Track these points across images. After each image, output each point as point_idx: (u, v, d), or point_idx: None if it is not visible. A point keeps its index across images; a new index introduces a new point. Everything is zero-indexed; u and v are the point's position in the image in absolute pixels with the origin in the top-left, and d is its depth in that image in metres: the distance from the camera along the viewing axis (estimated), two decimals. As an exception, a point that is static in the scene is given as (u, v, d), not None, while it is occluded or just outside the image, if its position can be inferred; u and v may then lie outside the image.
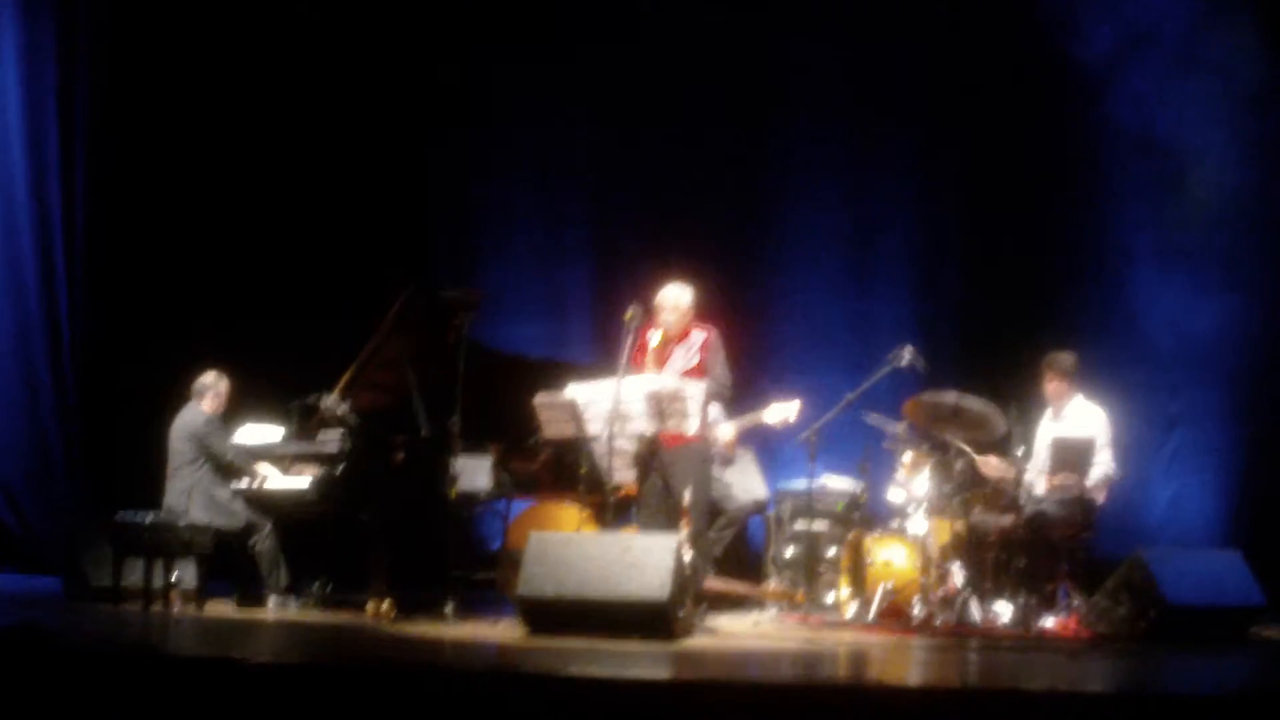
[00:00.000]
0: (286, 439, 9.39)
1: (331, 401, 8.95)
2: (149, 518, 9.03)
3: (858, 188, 11.69)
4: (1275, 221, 10.92)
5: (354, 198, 11.73)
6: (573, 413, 8.07)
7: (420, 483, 8.74)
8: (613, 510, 8.38)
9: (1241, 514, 10.60)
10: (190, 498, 9.17)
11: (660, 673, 6.50)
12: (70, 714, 5.81)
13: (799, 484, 9.53)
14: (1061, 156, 11.16)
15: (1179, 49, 10.94)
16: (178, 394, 9.57)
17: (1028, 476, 8.64)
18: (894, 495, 9.16)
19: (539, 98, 11.93)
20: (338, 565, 9.29)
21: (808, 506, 9.40)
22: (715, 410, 8.59)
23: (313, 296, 11.34)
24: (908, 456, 9.08)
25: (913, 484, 9.00)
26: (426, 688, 5.93)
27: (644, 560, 7.46)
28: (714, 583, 8.72)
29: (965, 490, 8.76)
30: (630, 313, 8.19)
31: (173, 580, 9.14)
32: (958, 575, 8.54)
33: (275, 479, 9.19)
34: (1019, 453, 8.52)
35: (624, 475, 8.55)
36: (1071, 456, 8.49)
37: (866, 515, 9.30)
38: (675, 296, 8.33)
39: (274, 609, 9.07)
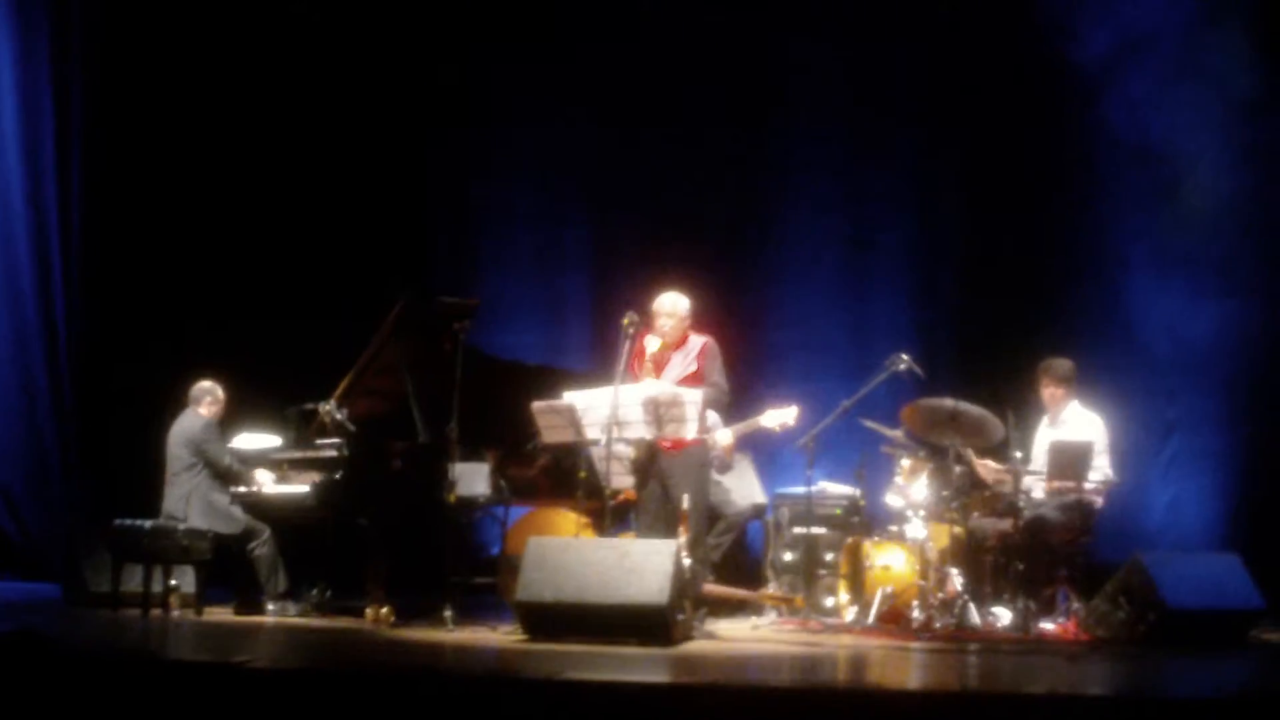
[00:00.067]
0: (284, 445, 9.40)
1: (329, 408, 8.96)
2: (148, 523, 9.04)
3: (856, 189, 11.70)
4: (1271, 227, 10.93)
5: (353, 199, 11.74)
6: (571, 418, 8.08)
7: (418, 489, 8.75)
8: (611, 515, 8.39)
9: (1240, 517, 10.60)
10: (189, 503, 9.17)
11: (659, 677, 6.50)
12: (69, 720, 5.82)
13: (797, 489, 9.53)
14: (1059, 160, 11.17)
15: (1175, 54, 10.95)
16: (175, 399, 9.58)
17: (1026, 481, 8.64)
18: (892, 500, 9.16)
19: (539, 98, 11.94)
20: (336, 571, 9.30)
21: (806, 511, 9.40)
22: (713, 416, 8.59)
23: (311, 299, 11.34)
24: (906, 462, 9.08)
25: (911, 489, 9.00)
26: (425, 692, 5.93)
27: (643, 565, 7.46)
28: (712, 587, 8.72)
29: (963, 495, 8.76)
30: (628, 319, 8.20)
31: (171, 586, 9.15)
32: (956, 579, 8.53)
33: (273, 485, 9.20)
34: (1017, 457, 8.52)
35: (622, 481, 8.57)
36: (1069, 461, 8.48)
37: (865, 520, 9.30)
38: (672, 303, 8.34)
39: (272, 614, 9.07)
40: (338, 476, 8.87)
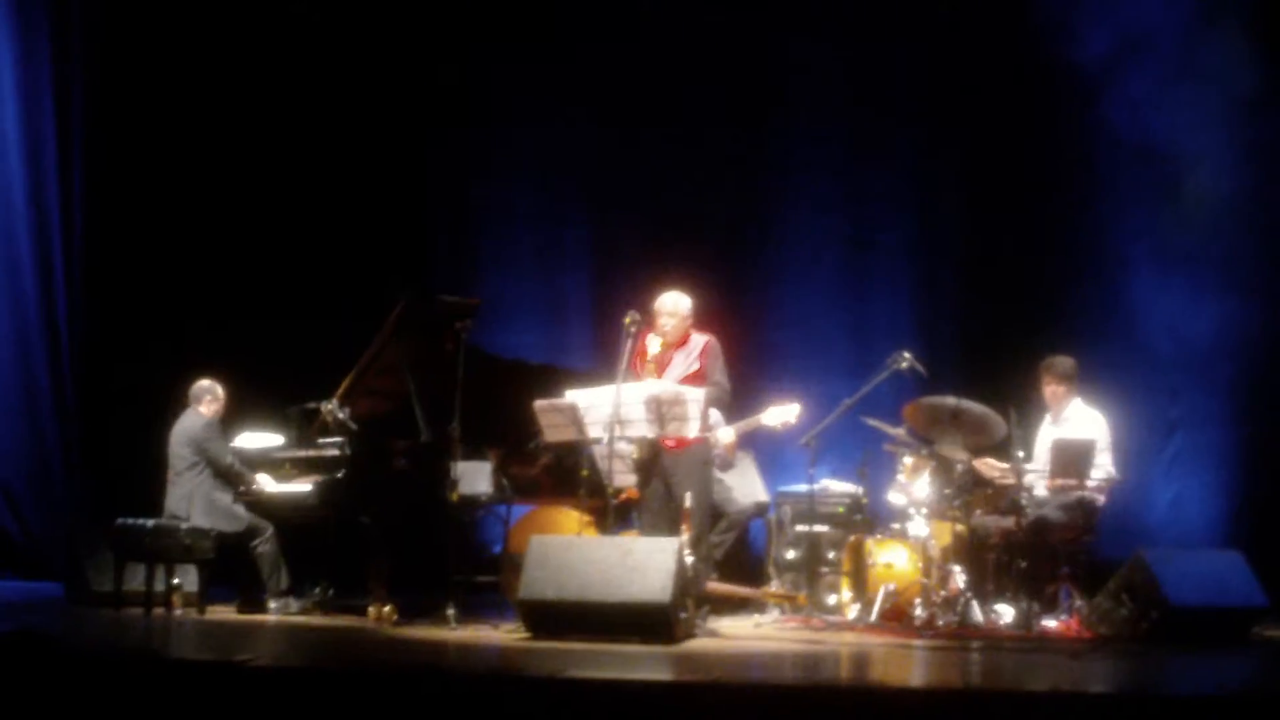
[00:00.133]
0: (287, 445, 9.41)
1: (331, 407, 8.96)
2: (150, 522, 9.04)
3: (856, 189, 11.69)
4: (1272, 225, 10.93)
5: (353, 199, 11.73)
6: (573, 417, 8.08)
7: (421, 488, 8.75)
8: (613, 514, 8.39)
9: (1242, 515, 10.60)
10: (192, 502, 9.17)
11: (662, 675, 6.50)
12: (72, 719, 5.81)
13: (800, 487, 9.53)
14: (1060, 160, 11.17)
15: (1175, 54, 10.94)
16: (177, 398, 9.59)
17: (1028, 479, 8.64)
18: (895, 498, 9.16)
19: (539, 98, 11.93)
20: (339, 570, 9.31)
21: (809, 509, 9.40)
22: (715, 414, 8.59)
23: (312, 299, 11.34)
24: (908, 460, 9.08)
25: (913, 487, 9.00)
26: (428, 691, 5.93)
27: (645, 563, 7.47)
28: (715, 585, 8.72)
29: (966, 493, 8.76)
30: (629, 318, 8.20)
31: (174, 585, 9.16)
32: (959, 577, 8.54)
33: (275, 485, 9.21)
34: (1019, 455, 8.52)
35: (624, 479, 8.57)
36: (1072, 459, 8.48)
37: (867, 518, 9.30)
38: (674, 303, 8.34)
39: (275, 613, 9.07)
40: (340, 475, 8.88)
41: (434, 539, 8.77)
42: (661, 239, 11.17)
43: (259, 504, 9.24)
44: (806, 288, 11.64)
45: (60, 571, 9.98)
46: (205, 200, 11.80)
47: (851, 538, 9.12)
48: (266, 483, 9.24)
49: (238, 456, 9.33)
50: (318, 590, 9.22)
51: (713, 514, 8.69)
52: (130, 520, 9.04)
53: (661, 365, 8.30)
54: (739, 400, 8.74)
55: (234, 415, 9.76)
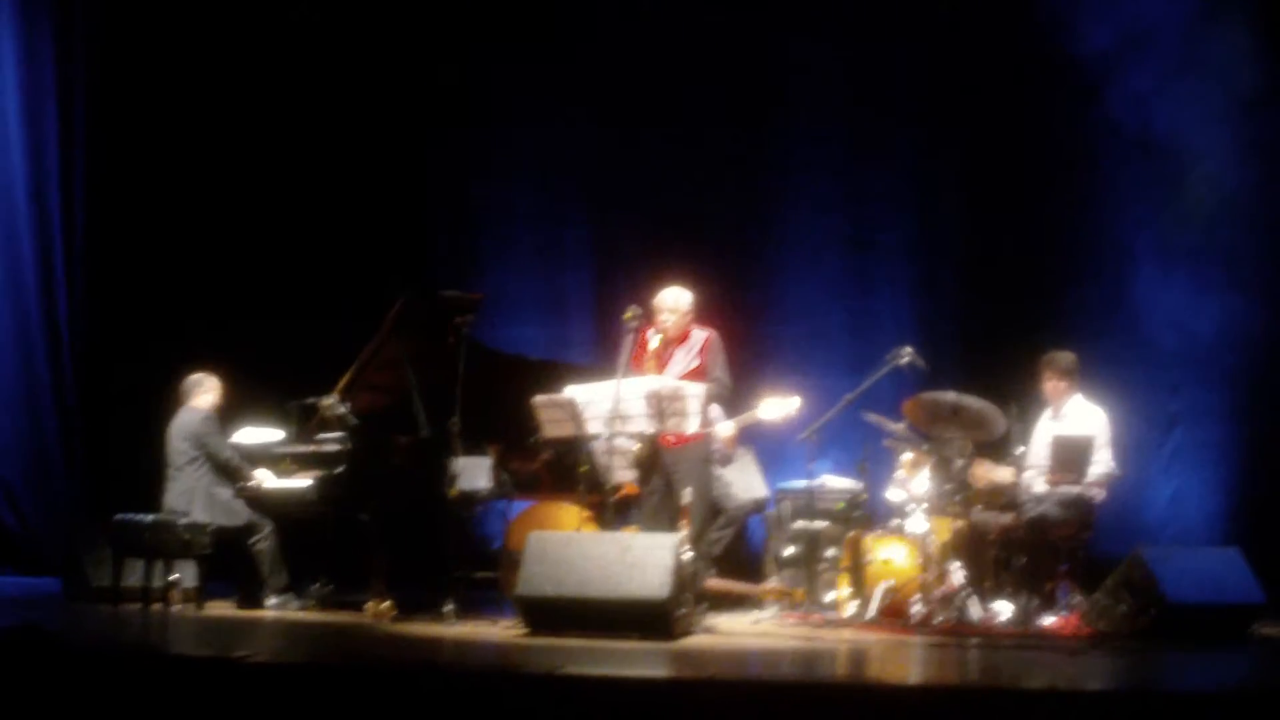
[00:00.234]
0: (286, 440, 9.41)
1: (331, 402, 8.96)
2: (149, 518, 9.05)
3: (857, 187, 11.69)
4: (1274, 221, 10.93)
5: (354, 198, 11.74)
6: (573, 413, 8.08)
7: (420, 483, 8.74)
8: (613, 510, 8.39)
9: (1241, 512, 10.60)
10: (191, 498, 9.18)
11: (660, 671, 6.50)
12: (71, 715, 5.82)
13: (799, 483, 9.53)
14: (1061, 156, 11.17)
15: (1177, 49, 10.93)
16: (176, 395, 9.58)
17: (1026, 475, 8.64)
18: (894, 494, 9.17)
19: (539, 98, 11.93)
20: (338, 565, 9.30)
21: (808, 505, 9.40)
22: (715, 410, 8.59)
23: (312, 297, 11.35)
24: (907, 456, 9.08)
25: (912, 483, 9.01)
26: (426, 687, 5.93)
27: (644, 559, 7.47)
28: (714, 582, 8.73)
29: (965, 489, 8.75)
30: (630, 313, 8.20)
31: (172, 580, 9.16)
32: (957, 574, 8.54)
33: (274, 480, 9.21)
34: (1018, 452, 8.52)
35: (624, 475, 8.57)
36: (1071, 455, 8.48)
37: (866, 514, 9.30)
38: (674, 298, 8.34)
39: (274, 609, 9.08)
40: (339, 471, 8.87)
41: (433, 535, 8.78)
42: (662, 239, 11.16)
43: (258, 499, 9.24)
44: (807, 285, 11.64)
45: (59, 567, 9.97)
46: (206, 199, 11.82)
47: (850, 534, 9.11)
48: (266, 478, 9.24)
49: (237, 451, 9.33)
50: (316, 586, 9.22)
51: (712, 510, 8.69)
52: (129, 516, 9.05)
53: (662, 361, 8.30)
54: (740, 396, 8.74)
55: (234, 410, 9.77)
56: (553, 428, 8.23)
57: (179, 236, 11.74)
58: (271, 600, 9.15)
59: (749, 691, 5.98)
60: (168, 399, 9.64)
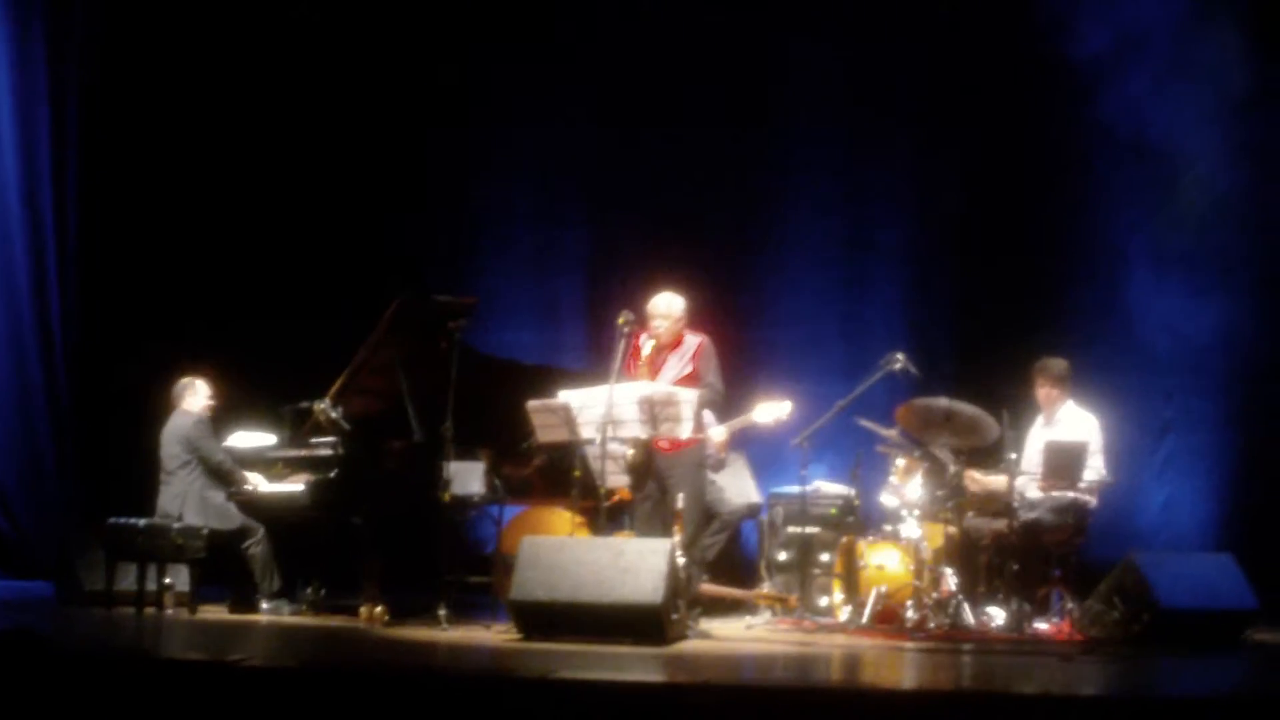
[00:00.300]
0: (279, 444, 9.40)
1: (324, 407, 8.95)
2: (142, 522, 9.04)
3: (856, 189, 11.69)
4: (1268, 226, 10.94)
5: (352, 199, 11.72)
6: (566, 417, 8.07)
7: (413, 487, 8.74)
8: (605, 515, 8.39)
9: (1234, 519, 10.60)
10: (184, 501, 9.17)
11: (653, 676, 6.50)
12: (63, 719, 5.80)
13: (792, 488, 9.53)
14: (1057, 159, 11.17)
15: (1172, 52, 10.95)
16: (169, 398, 9.57)
17: (1019, 481, 8.64)
18: (887, 500, 9.17)
19: (539, 98, 11.93)
20: (331, 569, 9.30)
21: (801, 511, 9.40)
22: (707, 415, 8.59)
23: (308, 299, 11.35)
24: (901, 461, 9.09)
25: (906, 489, 9.01)
26: (419, 691, 5.92)
27: (637, 564, 7.47)
28: (707, 587, 8.72)
29: (958, 495, 8.76)
30: (623, 318, 8.19)
31: (165, 584, 9.15)
32: (951, 579, 8.54)
33: (267, 484, 9.21)
34: (1011, 457, 8.52)
35: (617, 480, 8.57)
36: (1064, 461, 8.49)
37: (860, 519, 9.30)
38: (666, 304, 8.33)
39: (267, 613, 9.07)
40: (332, 475, 8.87)
41: (426, 539, 8.79)
42: (661, 239, 11.17)
43: (251, 504, 9.24)
44: (803, 288, 11.64)
45: (51, 571, 9.96)
46: (200, 200, 11.79)
47: (844, 539, 9.11)
48: (259, 482, 9.24)
49: (230, 455, 9.33)
50: (309, 590, 9.22)
51: (705, 515, 8.69)
52: (122, 519, 9.04)
53: (655, 368, 8.29)
54: (733, 401, 8.74)
55: (228, 414, 9.76)
56: (546, 432, 8.23)
57: (173, 238, 11.73)
58: (265, 604, 9.14)
59: (742, 697, 5.97)
60: (161, 402, 9.64)
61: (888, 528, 9.03)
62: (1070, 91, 11.07)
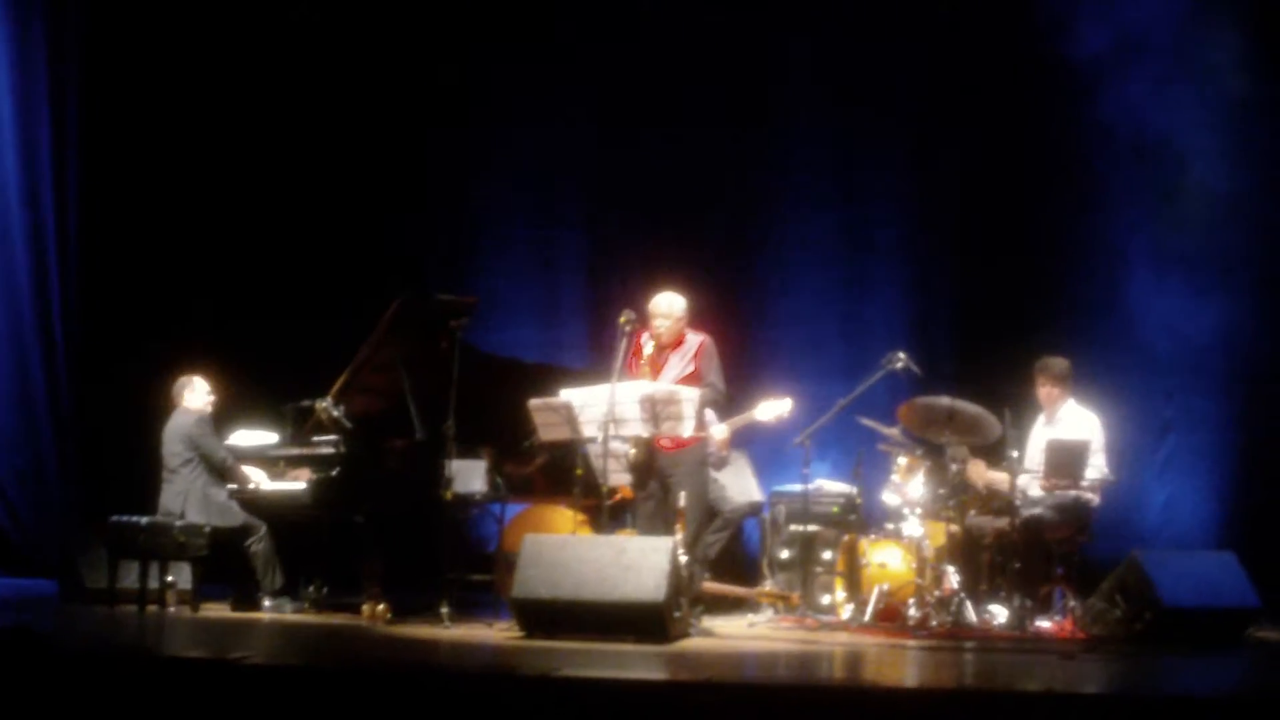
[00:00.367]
0: (281, 442, 9.41)
1: (326, 405, 8.96)
2: (144, 520, 9.04)
3: (855, 189, 11.68)
4: (1269, 226, 10.94)
5: (352, 198, 11.71)
6: (568, 416, 8.08)
7: (415, 486, 8.74)
8: (608, 513, 8.40)
9: (1236, 517, 10.60)
10: (187, 499, 9.16)
11: (656, 674, 6.51)
12: (65, 717, 5.81)
13: (794, 487, 9.53)
14: (1057, 159, 11.17)
15: (1173, 52, 10.95)
16: (171, 398, 9.58)
17: (1021, 479, 8.65)
18: (889, 498, 9.17)
19: (539, 98, 11.92)
20: (333, 567, 9.30)
21: (803, 509, 9.39)
22: (709, 414, 8.59)
23: (309, 299, 11.33)
24: (903, 460, 9.09)
25: (908, 487, 9.01)
26: (422, 689, 5.93)
27: (639, 562, 7.47)
28: (709, 585, 8.72)
29: (960, 493, 8.76)
30: (625, 316, 8.19)
31: (167, 582, 9.15)
32: (953, 577, 8.55)
33: (269, 483, 9.21)
34: (1013, 456, 8.53)
35: (619, 478, 8.57)
36: (1066, 459, 8.49)
37: (862, 518, 9.30)
38: (668, 304, 8.32)
39: (269, 611, 9.07)
40: (334, 473, 8.87)
41: (428, 537, 8.79)
42: (661, 239, 11.16)
43: (253, 502, 9.24)
44: (804, 287, 11.63)
45: (54, 569, 9.96)
46: (202, 200, 11.78)
47: (846, 537, 9.12)
48: (261, 480, 9.24)
49: (232, 453, 9.33)
50: (311, 588, 9.22)
51: (707, 513, 8.69)
52: (124, 517, 9.04)
53: (656, 367, 8.28)
54: (734, 401, 8.73)
55: (229, 413, 9.77)
56: (548, 431, 8.23)
57: (174, 238, 11.71)
58: (267, 602, 9.14)
59: (745, 694, 5.98)
60: (162, 401, 9.64)
61: (890, 526, 9.04)
62: (1070, 92, 11.07)
